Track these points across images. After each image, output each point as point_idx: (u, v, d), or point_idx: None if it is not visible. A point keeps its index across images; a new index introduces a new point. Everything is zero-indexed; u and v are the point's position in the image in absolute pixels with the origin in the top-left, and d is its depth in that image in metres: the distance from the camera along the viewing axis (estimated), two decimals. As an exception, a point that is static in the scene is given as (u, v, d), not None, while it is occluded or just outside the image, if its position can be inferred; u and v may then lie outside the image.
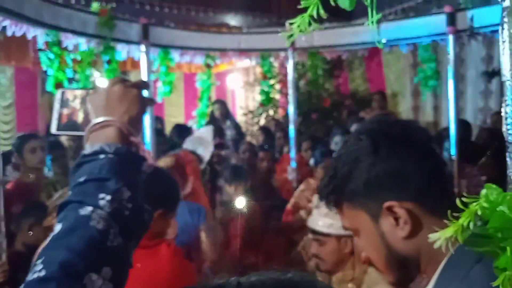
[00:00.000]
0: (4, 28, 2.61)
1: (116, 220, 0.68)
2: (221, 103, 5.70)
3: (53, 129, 0.88)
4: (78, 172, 0.74)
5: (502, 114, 0.68)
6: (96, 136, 0.77)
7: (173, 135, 4.20)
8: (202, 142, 3.28)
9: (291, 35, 0.73)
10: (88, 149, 0.75)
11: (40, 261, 0.62)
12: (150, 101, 0.92)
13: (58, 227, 0.67)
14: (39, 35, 2.88)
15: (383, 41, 3.62)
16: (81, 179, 0.71)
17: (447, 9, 3.33)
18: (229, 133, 4.47)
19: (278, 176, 3.86)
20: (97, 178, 0.71)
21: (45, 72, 3.38)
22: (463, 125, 4.61)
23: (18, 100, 8.33)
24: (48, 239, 0.67)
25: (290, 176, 3.80)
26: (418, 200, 0.80)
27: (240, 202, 2.96)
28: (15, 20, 2.62)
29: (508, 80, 0.67)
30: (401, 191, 0.79)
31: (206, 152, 3.16)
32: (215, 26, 7.59)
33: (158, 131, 3.93)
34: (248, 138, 5.37)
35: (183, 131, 4.30)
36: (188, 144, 3.34)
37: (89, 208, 0.67)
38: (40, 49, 3.03)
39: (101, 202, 0.68)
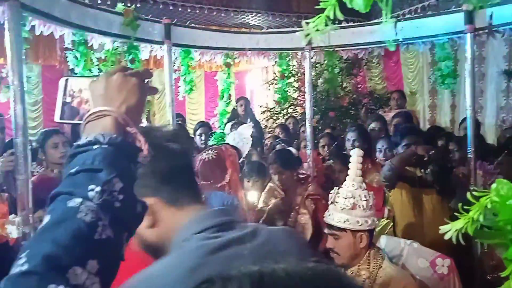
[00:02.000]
0: (33, 27, 2.67)
1: (105, 212, 0.66)
2: (245, 100, 5.76)
3: (56, 118, 0.87)
4: (71, 162, 0.72)
5: None
6: (92, 126, 0.76)
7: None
8: (241, 138, 3.53)
9: (308, 34, 0.76)
10: (82, 139, 0.73)
11: (24, 254, 0.60)
12: (152, 90, 0.90)
13: (46, 219, 0.65)
14: (66, 34, 2.97)
15: (400, 39, 3.65)
16: (73, 170, 0.70)
17: (465, 7, 3.31)
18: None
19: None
20: (88, 169, 0.69)
21: (71, 70, 3.50)
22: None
23: (45, 97, 8.59)
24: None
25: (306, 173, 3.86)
26: (157, 196, 0.98)
27: (252, 196, 3.07)
28: (44, 20, 2.71)
29: None
30: (145, 189, 0.92)
31: (244, 148, 3.37)
32: (236, 26, 7.69)
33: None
34: (267, 136, 5.43)
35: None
36: (229, 139, 3.66)
37: (78, 200, 0.65)
38: (67, 48, 3.14)
39: (91, 194, 0.66)
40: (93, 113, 0.77)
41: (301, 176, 3.12)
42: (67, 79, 0.88)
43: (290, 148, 3.80)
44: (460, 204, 0.73)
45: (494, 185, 0.67)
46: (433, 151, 2.90)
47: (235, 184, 2.45)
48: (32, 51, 7.19)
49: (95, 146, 0.71)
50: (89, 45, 3.12)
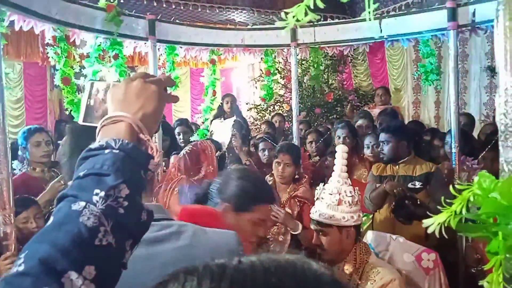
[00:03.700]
0: (12, 22, 2.60)
1: (108, 217, 0.65)
2: (231, 97, 5.76)
3: (80, 120, 0.87)
4: (81, 166, 0.72)
5: (495, 104, 0.71)
6: (106, 130, 0.76)
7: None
8: (221, 130, 3.63)
9: (287, 25, 0.75)
10: (95, 143, 0.73)
11: (23, 254, 0.60)
12: (172, 98, 0.89)
13: (50, 221, 0.65)
14: (46, 30, 2.91)
15: (384, 36, 3.67)
16: (81, 173, 0.70)
17: (449, 4, 3.34)
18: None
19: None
20: (97, 173, 0.69)
21: (54, 67, 3.44)
22: (468, 119, 4.66)
23: (27, 95, 8.46)
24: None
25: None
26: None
27: None
28: (23, 15, 2.64)
29: (501, 71, 0.69)
30: None
31: (224, 139, 3.43)
32: (221, 23, 7.65)
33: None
34: (253, 133, 5.43)
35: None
36: (213, 126, 3.95)
37: (82, 203, 0.65)
38: (48, 44, 3.08)
39: (95, 198, 0.66)
40: (109, 117, 0.77)
41: (297, 177, 3.12)
42: (92, 82, 0.90)
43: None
44: (442, 198, 0.72)
45: (476, 178, 0.67)
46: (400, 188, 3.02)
47: (211, 177, 2.50)
48: (13, 48, 7.06)
49: (106, 151, 0.71)
50: (71, 40, 3.07)
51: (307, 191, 3.15)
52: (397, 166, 3.18)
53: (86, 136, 0.98)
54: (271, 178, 3.12)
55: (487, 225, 0.63)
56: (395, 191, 3.01)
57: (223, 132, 3.60)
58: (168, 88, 0.87)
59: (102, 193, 0.66)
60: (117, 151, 0.71)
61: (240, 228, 1.43)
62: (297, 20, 0.74)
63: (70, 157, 1.10)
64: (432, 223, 0.68)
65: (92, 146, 0.73)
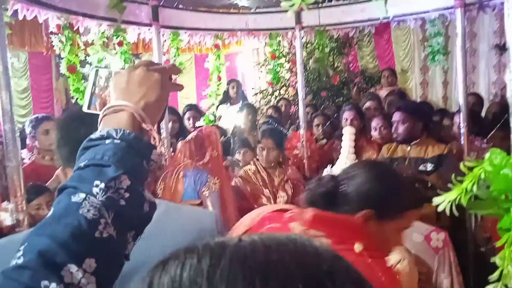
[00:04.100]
0: (16, 12, 2.60)
1: (109, 209, 0.64)
2: (236, 82, 5.74)
3: (85, 108, 0.86)
4: (82, 156, 0.70)
5: (506, 80, 0.70)
6: (107, 120, 0.74)
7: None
8: (227, 116, 3.55)
9: (293, 5, 0.74)
10: (96, 133, 0.72)
11: (22, 247, 0.59)
12: (176, 87, 0.88)
13: (50, 212, 0.64)
14: (50, 18, 2.91)
15: (390, 16, 3.62)
16: (82, 164, 0.68)
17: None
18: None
19: (288, 153, 3.92)
20: (97, 163, 0.67)
21: (59, 56, 3.44)
22: (477, 99, 4.60)
23: (33, 85, 8.49)
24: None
25: (300, 153, 3.86)
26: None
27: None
28: (27, 3, 2.64)
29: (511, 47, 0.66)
30: None
31: (229, 125, 3.44)
32: (225, 7, 7.57)
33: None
34: (259, 117, 5.41)
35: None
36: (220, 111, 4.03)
37: (82, 195, 0.64)
38: (52, 33, 3.08)
39: (95, 190, 0.64)
40: (111, 106, 0.75)
41: (281, 160, 3.17)
42: (97, 70, 0.87)
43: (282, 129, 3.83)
44: (453, 175, 0.72)
45: (487, 155, 0.65)
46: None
47: (215, 161, 2.55)
48: (17, 38, 7.06)
49: (107, 141, 0.70)
50: (75, 29, 3.06)
51: (296, 172, 3.21)
52: (408, 147, 3.14)
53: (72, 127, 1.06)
54: (253, 166, 3.13)
55: (498, 201, 0.62)
56: (405, 175, 2.97)
57: (229, 118, 3.63)
58: (173, 75, 0.85)
59: (102, 185, 0.65)
60: (119, 141, 0.70)
61: (384, 240, 1.21)
62: (303, 0, 0.72)
63: (58, 146, 1.12)
64: (443, 201, 0.67)
65: (93, 136, 0.71)
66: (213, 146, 2.57)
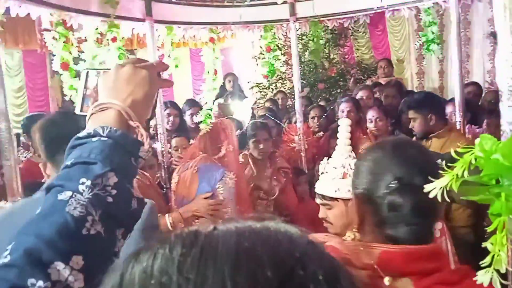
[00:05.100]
0: (8, 9, 2.58)
1: (96, 206, 0.64)
2: (233, 76, 5.72)
3: (77, 110, 0.86)
4: (70, 155, 0.71)
5: (495, 65, 0.69)
6: (95, 118, 0.75)
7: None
8: (241, 109, 3.73)
9: None
10: (83, 131, 0.72)
11: (10, 246, 0.59)
12: (165, 83, 0.88)
13: (37, 211, 0.65)
14: (43, 15, 2.89)
15: (385, 6, 3.61)
16: (69, 162, 0.69)
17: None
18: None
19: (285, 146, 3.92)
20: (84, 161, 0.68)
21: (53, 54, 3.41)
22: (476, 88, 4.57)
23: (28, 83, 8.45)
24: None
25: (297, 146, 3.86)
26: None
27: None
28: (18, 0, 2.62)
29: (500, 31, 0.66)
30: None
31: (244, 117, 3.44)
32: (218, 1, 7.52)
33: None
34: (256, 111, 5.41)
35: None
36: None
37: (68, 193, 0.64)
38: (45, 29, 3.06)
39: (81, 187, 0.65)
40: (98, 105, 0.75)
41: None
42: (88, 71, 0.88)
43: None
44: (444, 162, 0.72)
45: (477, 140, 0.66)
46: None
47: (231, 156, 2.53)
48: (11, 36, 7.02)
49: (94, 139, 0.70)
50: (68, 25, 3.04)
51: (283, 161, 3.26)
52: (429, 142, 3.00)
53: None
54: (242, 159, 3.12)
55: (489, 187, 0.62)
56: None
57: (243, 111, 3.60)
58: (167, 70, 0.86)
59: (89, 182, 0.65)
60: (105, 138, 0.70)
61: None
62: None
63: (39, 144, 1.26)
64: (434, 187, 0.68)
65: (80, 134, 0.72)
66: (228, 140, 2.55)
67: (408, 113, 3.13)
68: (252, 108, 5.33)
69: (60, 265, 0.58)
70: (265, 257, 0.38)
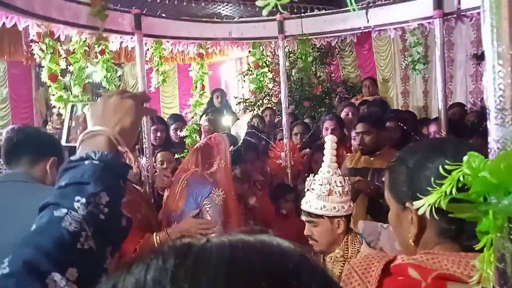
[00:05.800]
0: (-5, 20, 2.57)
1: (90, 223, 0.69)
2: (221, 91, 5.74)
3: (63, 141, 0.93)
4: (63, 177, 0.76)
5: (483, 83, 0.71)
6: (86, 144, 0.80)
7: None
8: (237, 124, 3.59)
9: (268, 5, 0.74)
10: (76, 155, 0.78)
11: (7, 259, 0.62)
12: (149, 112, 0.97)
13: (32, 227, 0.68)
14: (30, 26, 2.87)
15: (371, 26, 3.68)
16: (62, 183, 0.73)
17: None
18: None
19: (271, 162, 3.92)
20: (77, 182, 0.73)
21: (39, 65, 3.38)
22: (462, 110, 4.70)
23: (12, 95, 8.34)
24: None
25: (283, 162, 3.86)
26: None
27: None
28: (6, 10, 2.60)
29: (487, 49, 0.67)
30: None
31: (240, 133, 3.43)
32: (207, 17, 7.59)
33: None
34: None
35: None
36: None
37: (64, 210, 0.68)
38: (32, 41, 3.03)
39: (76, 205, 0.69)
40: (89, 132, 0.81)
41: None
42: (73, 105, 0.96)
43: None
44: (432, 179, 0.73)
45: (465, 158, 0.67)
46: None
47: (223, 172, 2.49)
48: (-4, 47, 6.95)
49: (86, 162, 0.76)
50: (56, 37, 3.01)
51: (259, 175, 3.26)
52: (372, 158, 3.18)
53: None
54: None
55: (477, 204, 0.63)
56: (368, 190, 2.99)
57: (241, 125, 3.58)
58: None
59: (83, 200, 0.70)
60: (97, 161, 0.76)
61: None
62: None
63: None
64: (423, 205, 0.68)
65: (73, 158, 0.77)
66: (221, 156, 2.52)
67: (360, 125, 3.27)
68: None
69: (57, 276, 0.61)
70: (259, 268, 0.39)
